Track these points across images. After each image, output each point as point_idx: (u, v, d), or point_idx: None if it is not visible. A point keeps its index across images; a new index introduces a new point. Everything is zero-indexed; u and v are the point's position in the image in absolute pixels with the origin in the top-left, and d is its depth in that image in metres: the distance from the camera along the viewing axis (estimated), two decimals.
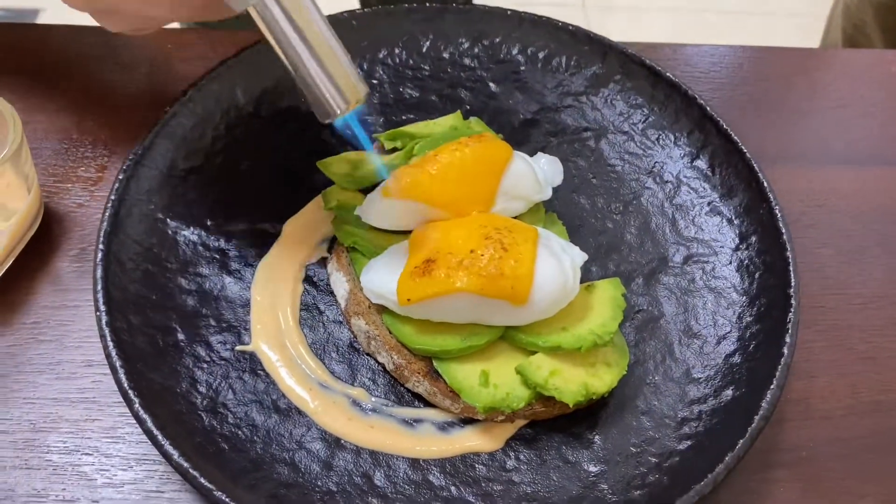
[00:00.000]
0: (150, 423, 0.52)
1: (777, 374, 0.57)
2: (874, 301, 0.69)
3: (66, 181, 0.71)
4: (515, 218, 0.63)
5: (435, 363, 0.58)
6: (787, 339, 0.58)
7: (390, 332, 0.59)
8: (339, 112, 0.54)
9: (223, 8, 0.54)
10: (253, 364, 0.60)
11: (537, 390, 0.56)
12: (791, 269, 0.61)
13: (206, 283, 0.63)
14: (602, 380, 0.57)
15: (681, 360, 0.62)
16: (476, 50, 0.78)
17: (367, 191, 0.65)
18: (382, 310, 0.60)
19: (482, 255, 0.55)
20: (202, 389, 0.58)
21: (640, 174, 0.72)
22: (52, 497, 0.56)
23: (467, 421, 0.59)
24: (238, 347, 0.61)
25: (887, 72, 0.87)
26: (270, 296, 0.63)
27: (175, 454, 0.51)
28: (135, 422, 0.53)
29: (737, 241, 0.67)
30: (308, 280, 0.65)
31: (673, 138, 0.73)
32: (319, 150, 0.68)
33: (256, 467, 0.55)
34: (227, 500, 0.50)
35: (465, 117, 0.72)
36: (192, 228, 0.65)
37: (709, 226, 0.68)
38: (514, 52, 0.77)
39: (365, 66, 0.76)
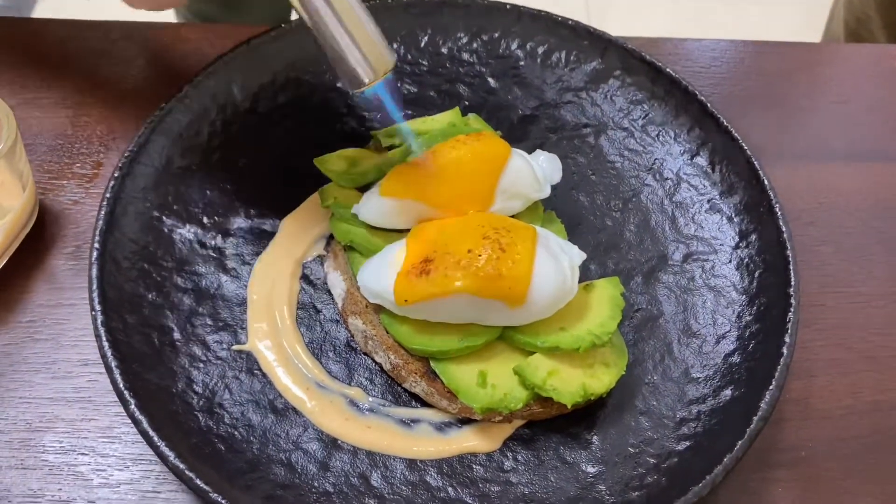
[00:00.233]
0: (145, 424, 0.52)
1: (776, 374, 0.56)
2: (874, 300, 0.69)
3: (62, 178, 0.71)
4: (514, 216, 0.62)
5: (432, 363, 0.57)
6: (787, 339, 0.58)
7: (387, 332, 0.59)
8: (367, 81, 0.55)
9: None
10: (249, 363, 0.60)
11: (535, 391, 0.56)
12: (791, 268, 0.61)
13: (202, 281, 0.63)
14: (600, 380, 0.57)
15: (680, 360, 0.62)
16: (475, 45, 0.77)
17: (364, 189, 0.64)
18: (380, 309, 0.59)
19: (480, 256, 0.55)
20: (198, 389, 0.58)
21: (640, 171, 0.72)
22: (48, 497, 0.56)
23: (465, 421, 0.59)
24: (234, 347, 0.61)
25: (890, 67, 0.86)
26: (267, 294, 0.63)
27: (171, 455, 0.51)
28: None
29: (737, 239, 0.66)
30: (305, 278, 0.65)
31: (673, 135, 0.72)
32: (317, 147, 0.67)
33: (253, 468, 0.55)
34: (223, 501, 0.50)
35: (464, 113, 0.71)
36: (188, 226, 0.65)
37: (709, 223, 0.68)
38: (514, 47, 0.77)
39: None
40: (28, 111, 0.74)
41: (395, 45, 0.76)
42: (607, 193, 0.71)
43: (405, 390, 0.60)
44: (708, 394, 0.59)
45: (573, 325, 0.58)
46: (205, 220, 0.66)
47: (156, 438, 0.51)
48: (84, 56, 0.78)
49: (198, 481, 0.50)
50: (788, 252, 0.62)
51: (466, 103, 0.75)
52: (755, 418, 0.54)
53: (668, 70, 0.72)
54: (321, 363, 0.61)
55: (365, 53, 0.55)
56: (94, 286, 0.57)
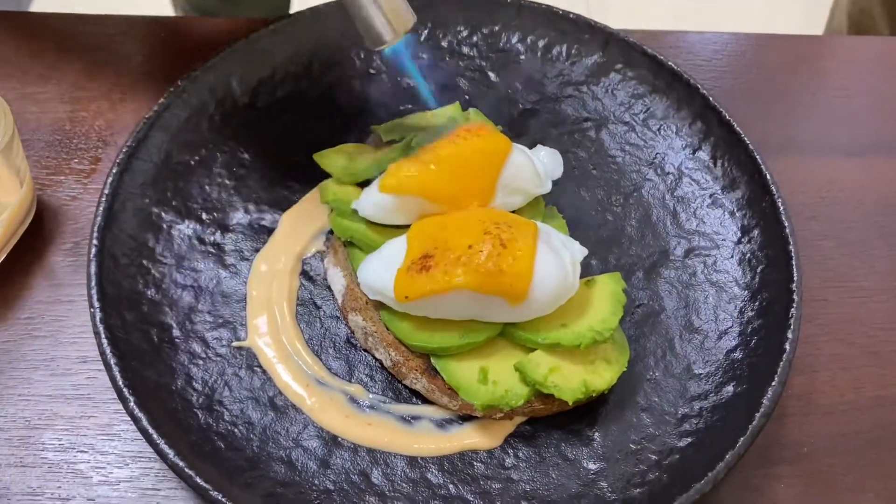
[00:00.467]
0: (145, 422, 0.52)
1: (779, 370, 0.56)
2: (876, 294, 0.69)
3: (60, 173, 0.70)
4: (515, 212, 0.62)
5: (433, 360, 0.57)
6: (790, 335, 0.57)
7: (388, 329, 0.59)
8: (388, 40, 0.57)
9: None
10: (249, 360, 0.60)
11: (536, 388, 0.55)
12: (794, 263, 0.61)
13: (201, 277, 0.63)
14: (602, 377, 0.56)
15: (681, 356, 0.61)
16: (475, 39, 0.76)
17: (364, 184, 0.64)
18: (380, 306, 0.59)
19: (481, 252, 0.55)
20: (198, 386, 0.57)
21: (641, 165, 0.71)
22: (47, 495, 0.55)
23: (466, 418, 0.59)
24: (234, 343, 0.60)
25: (893, 60, 0.86)
26: (266, 290, 0.63)
27: (170, 453, 0.51)
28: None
29: (739, 234, 0.66)
30: (305, 274, 0.65)
31: (675, 129, 0.72)
32: (316, 142, 0.67)
33: (252, 466, 0.54)
34: (222, 499, 0.50)
35: (464, 108, 0.71)
36: (186, 222, 0.65)
37: (710, 218, 0.68)
38: (514, 40, 0.76)
39: (361, 55, 0.75)
40: (25, 106, 0.73)
41: None
42: (608, 188, 0.71)
43: (406, 387, 0.60)
44: (710, 390, 0.59)
45: (574, 322, 0.58)
46: (204, 215, 0.65)
47: (155, 436, 0.51)
48: (82, 50, 0.78)
49: (197, 479, 0.50)
50: (791, 247, 0.61)
51: (467, 97, 0.74)
52: (757, 414, 0.54)
53: (669, 63, 0.72)
54: (321, 360, 0.61)
55: (386, 13, 0.56)
56: (93, 283, 0.57)
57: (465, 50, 0.76)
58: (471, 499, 0.55)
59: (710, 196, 0.69)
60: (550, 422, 0.59)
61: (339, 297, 0.62)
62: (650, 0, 2.09)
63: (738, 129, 0.68)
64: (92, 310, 0.56)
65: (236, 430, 0.56)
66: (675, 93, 0.72)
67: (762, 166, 0.66)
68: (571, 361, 0.57)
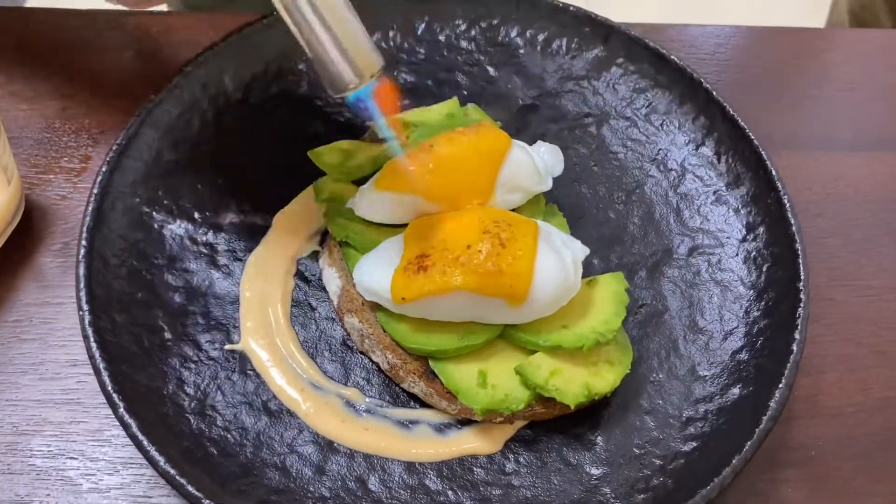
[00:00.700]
0: (135, 428, 0.50)
1: (786, 371, 0.55)
2: (885, 293, 0.67)
3: (49, 172, 0.69)
4: (514, 210, 0.60)
5: (431, 363, 0.56)
6: (797, 336, 0.56)
7: (385, 331, 0.57)
8: (352, 86, 0.51)
9: None
10: (242, 364, 0.58)
11: (537, 391, 0.54)
12: (800, 261, 0.59)
13: (193, 278, 0.61)
14: (604, 379, 0.55)
15: (686, 357, 0.60)
16: (473, 32, 0.75)
17: (360, 182, 0.63)
18: (376, 307, 0.58)
19: (480, 251, 0.53)
20: (190, 391, 0.56)
21: (644, 162, 0.70)
22: (35, 503, 0.54)
23: (465, 422, 0.57)
24: (227, 346, 0.59)
25: None
26: (260, 292, 0.61)
27: (161, 460, 0.49)
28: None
29: (744, 231, 0.65)
30: (299, 275, 0.63)
31: (677, 124, 0.70)
32: (311, 139, 0.65)
33: (246, 472, 0.53)
34: None
35: (463, 103, 0.70)
36: (178, 222, 0.63)
37: (715, 216, 0.66)
38: (513, 34, 0.75)
39: None
40: (13, 103, 0.72)
41: (391, 33, 0.74)
42: (610, 185, 0.69)
43: (403, 390, 0.59)
44: (715, 392, 0.58)
45: (576, 323, 0.56)
46: (196, 215, 0.64)
47: (145, 442, 0.50)
48: (71, 46, 0.76)
49: (189, 487, 0.49)
50: (797, 245, 0.60)
51: (465, 93, 0.73)
52: (764, 417, 0.53)
53: (672, 57, 0.70)
54: (316, 363, 0.59)
55: (349, 53, 0.50)
56: (82, 285, 0.55)
57: (464, 44, 0.75)
58: None
59: (714, 193, 0.67)
60: (552, 426, 0.57)
61: (335, 299, 0.61)
62: None
63: (742, 124, 0.67)
64: (81, 312, 0.54)
65: (229, 435, 0.55)
66: (677, 87, 0.71)
67: (767, 162, 0.64)
68: (573, 364, 0.55)
